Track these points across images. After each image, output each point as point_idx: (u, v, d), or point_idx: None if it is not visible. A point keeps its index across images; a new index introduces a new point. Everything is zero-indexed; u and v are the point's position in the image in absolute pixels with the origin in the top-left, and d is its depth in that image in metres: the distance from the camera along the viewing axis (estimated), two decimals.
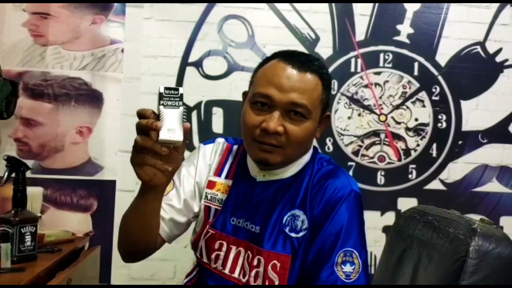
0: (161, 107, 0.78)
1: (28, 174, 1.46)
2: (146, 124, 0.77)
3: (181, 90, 0.79)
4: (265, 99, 0.93)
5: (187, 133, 0.79)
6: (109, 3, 1.84)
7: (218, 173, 1.07)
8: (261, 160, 0.96)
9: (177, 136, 0.77)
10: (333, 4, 1.88)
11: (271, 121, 0.91)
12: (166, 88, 0.78)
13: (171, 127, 0.77)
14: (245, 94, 1.03)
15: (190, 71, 1.86)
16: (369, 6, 1.90)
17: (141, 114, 0.79)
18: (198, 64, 1.87)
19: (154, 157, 0.80)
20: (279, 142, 0.93)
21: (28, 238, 1.32)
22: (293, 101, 0.92)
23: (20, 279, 1.19)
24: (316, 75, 0.95)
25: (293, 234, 0.95)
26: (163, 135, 0.77)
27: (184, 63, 1.86)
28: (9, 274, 1.22)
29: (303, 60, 0.96)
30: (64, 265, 1.44)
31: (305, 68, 0.94)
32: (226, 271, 0.99)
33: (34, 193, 1.60)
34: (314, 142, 1.80)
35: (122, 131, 1.82)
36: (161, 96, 0.78)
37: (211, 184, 1.06)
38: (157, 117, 0.78)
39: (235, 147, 1.10)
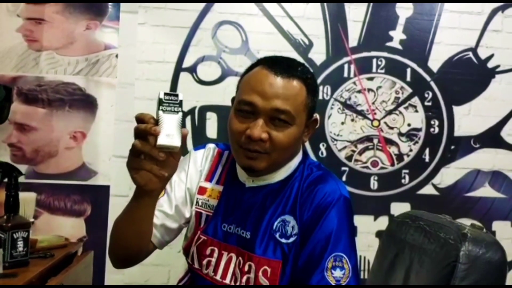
0: (160, 112, 0.78)
1: (22, 179, 1.46)
2: (145, 129, 0.78)
3: (180, 96, 0.80)
4: (249, 106, 0.94)
5: (185, 139, 0.80)
6: (104, 3, 1.84)
7: (209, 178, 1.07)
8: (246, 166, 0.96)
9: (175, 141, 0.78)
10: (326, 10, 1.89)
11: (255, 129, 0.92)
12: (166, 94, 0.79)
13: (169, 133, 0.78)
14: (233, 100, 1.03)
15: (184, 76, 1.87)
16: (362, 12, 1.91)
17: (139, 119, 0.80)
18: (192, 70, 1.87)
19: (150, 162, 0.81)
20: (263, 148, 0.93)
21: (20, 244, 1.32)
22: (276, 107, 0.92)
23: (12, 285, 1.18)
24: (299, 81, 0.96)
25: (283, 240, 0.95)
26: (162, 140, 0.77)
27: (178, 68, 1.87)
28: (0, 280, 1.21)
29: (286, 67, 0.96)
30: (56, 270, 1.43)
31: (288, 74, 0.95)
32: (218, 277, 0.99)
33: (27, 198, 1.59)
34: (308, 147, 1.85)
35: (116, 136, 1.82)
36: (160, 102, 0.79)
37: (202, 190, 1.06)
38: (156, 122, 0.79)
39: (225, 152, 1.10)
